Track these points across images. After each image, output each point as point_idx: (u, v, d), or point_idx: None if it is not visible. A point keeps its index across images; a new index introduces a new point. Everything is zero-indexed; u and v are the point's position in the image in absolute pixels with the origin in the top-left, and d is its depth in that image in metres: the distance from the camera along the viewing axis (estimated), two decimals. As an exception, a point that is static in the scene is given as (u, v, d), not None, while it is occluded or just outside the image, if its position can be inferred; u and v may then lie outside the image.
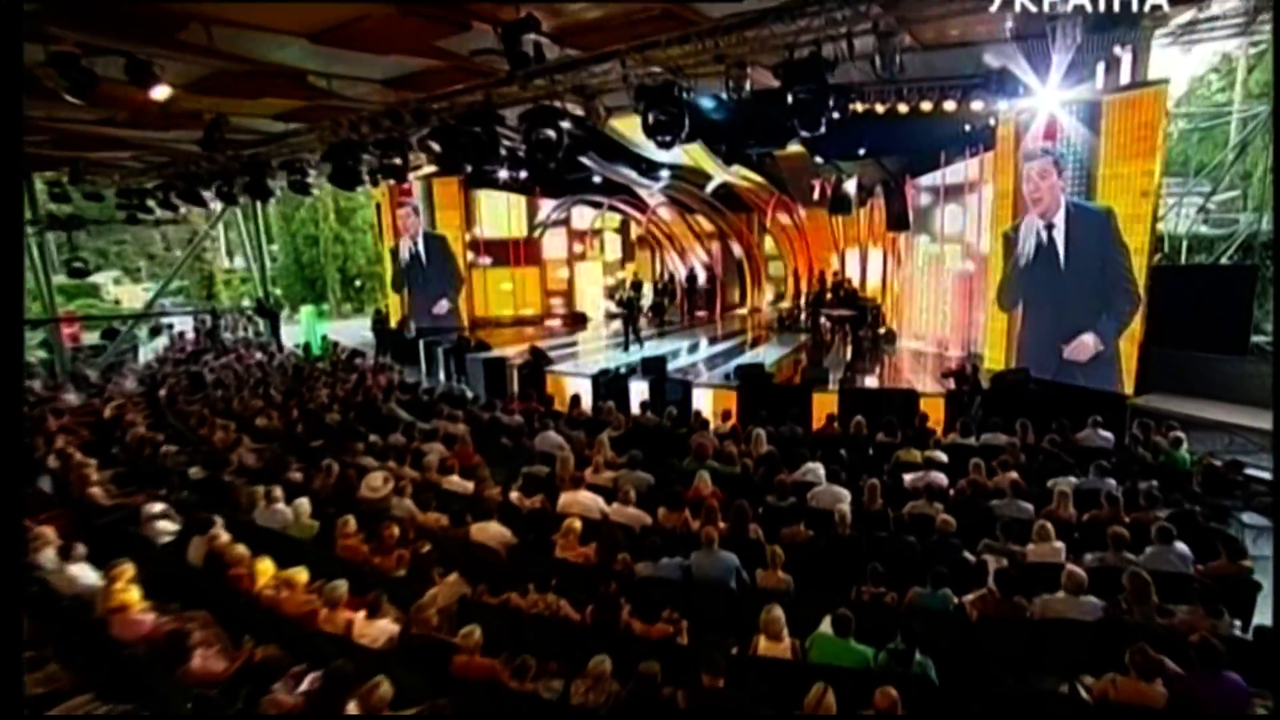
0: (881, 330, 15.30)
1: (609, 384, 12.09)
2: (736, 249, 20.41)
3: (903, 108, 9.82)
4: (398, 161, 7.35)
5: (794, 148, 14.20)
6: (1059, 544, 5.31)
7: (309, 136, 9.34)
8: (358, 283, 30.86)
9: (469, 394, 12.04)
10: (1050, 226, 10.10)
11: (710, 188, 16.30)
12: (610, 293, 17.71)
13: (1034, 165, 10.16)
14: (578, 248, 20.11)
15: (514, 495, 6.92)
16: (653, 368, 12.15)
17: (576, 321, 19.37)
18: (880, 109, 9.99)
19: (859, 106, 10.14)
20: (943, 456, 7.39)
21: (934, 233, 14.07)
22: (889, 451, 7.91)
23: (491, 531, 6.06)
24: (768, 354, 14.25)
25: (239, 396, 10.65)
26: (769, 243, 19.74)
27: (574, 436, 8.48)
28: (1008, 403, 9.09)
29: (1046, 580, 4.71)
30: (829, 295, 15.62)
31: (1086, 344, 9.73)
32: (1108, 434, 7.82)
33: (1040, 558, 5.25)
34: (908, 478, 6.94)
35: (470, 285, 19.30)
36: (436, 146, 17.82)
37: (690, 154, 14.70)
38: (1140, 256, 8.93)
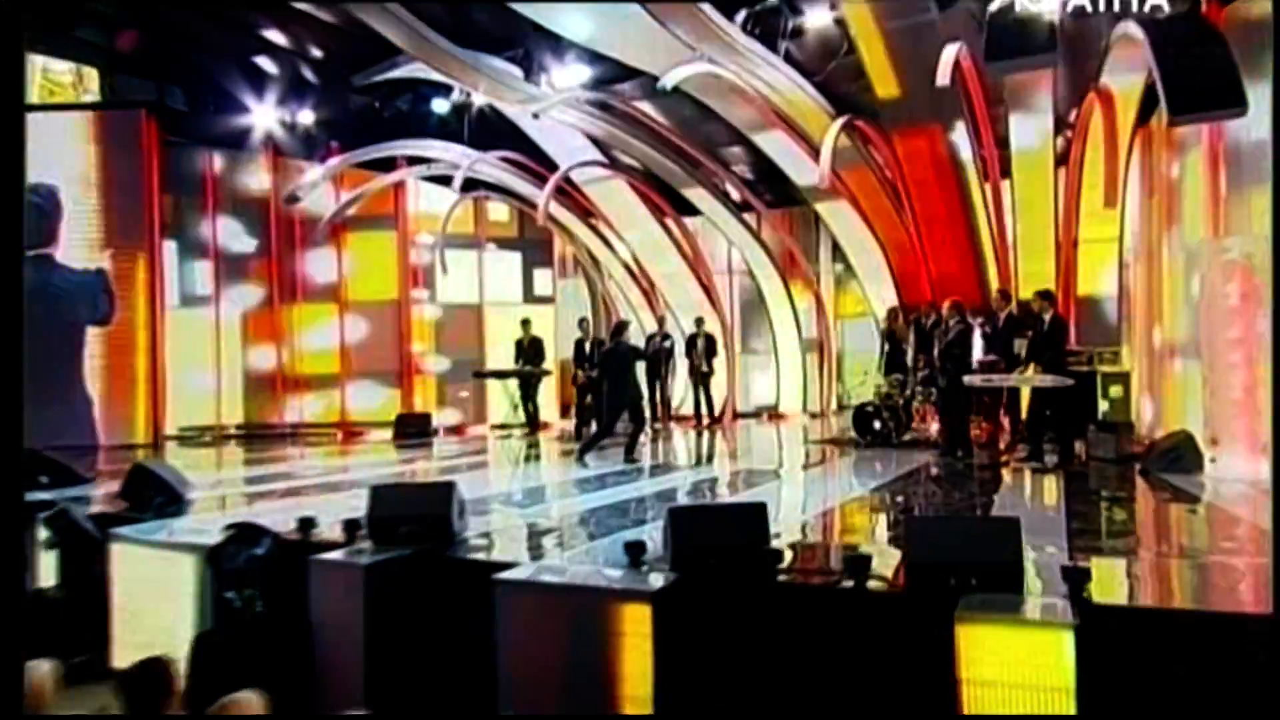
0: (1149, 439, 7.68)
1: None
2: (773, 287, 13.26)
3: None
4: None
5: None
6: None
7: None
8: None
9: None
10: None
11: (671, 80, 9.22)
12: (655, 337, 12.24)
13: None
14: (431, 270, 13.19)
15: None
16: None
17: (409, 431, 11.90)
18: None
19: None
20: None
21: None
22: None
23: None
24: (827, 490, 6.68)
25: None
26: (853, 272, 12.22)
27: None
28: None
29: None
30: (984, 333, 8.20)
31: None
32: None
33: None
34: None
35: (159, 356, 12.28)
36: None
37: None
38: None
